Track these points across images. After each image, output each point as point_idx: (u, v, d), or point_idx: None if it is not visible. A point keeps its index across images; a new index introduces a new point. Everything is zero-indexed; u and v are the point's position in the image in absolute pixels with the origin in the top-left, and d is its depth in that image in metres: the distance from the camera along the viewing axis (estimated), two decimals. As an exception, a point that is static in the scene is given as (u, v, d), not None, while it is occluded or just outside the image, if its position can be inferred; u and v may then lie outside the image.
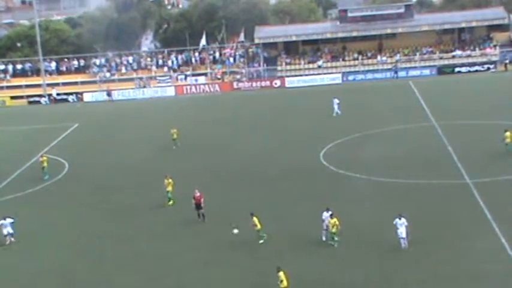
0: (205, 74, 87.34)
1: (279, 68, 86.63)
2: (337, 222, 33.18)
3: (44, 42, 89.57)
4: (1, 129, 69.28)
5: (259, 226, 34.46)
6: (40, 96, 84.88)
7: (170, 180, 41.50)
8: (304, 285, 29.62)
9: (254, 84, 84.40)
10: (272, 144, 55.82)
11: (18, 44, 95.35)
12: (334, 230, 33.28)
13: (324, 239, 33.89)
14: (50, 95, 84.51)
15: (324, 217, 34.07)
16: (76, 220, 40.98)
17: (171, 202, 41.56)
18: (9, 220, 37.54)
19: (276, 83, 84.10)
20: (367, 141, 54.23)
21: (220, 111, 71.97)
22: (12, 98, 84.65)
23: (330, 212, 33.86)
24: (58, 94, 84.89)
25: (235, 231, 34.78)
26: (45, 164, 50.18)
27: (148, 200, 42.80)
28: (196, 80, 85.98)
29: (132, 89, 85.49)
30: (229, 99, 79.51)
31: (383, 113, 63.96)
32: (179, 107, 76.18)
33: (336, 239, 33.33)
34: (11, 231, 37.32)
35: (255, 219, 34.53)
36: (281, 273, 28.09)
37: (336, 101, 64.67)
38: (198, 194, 38.78)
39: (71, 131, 67.28)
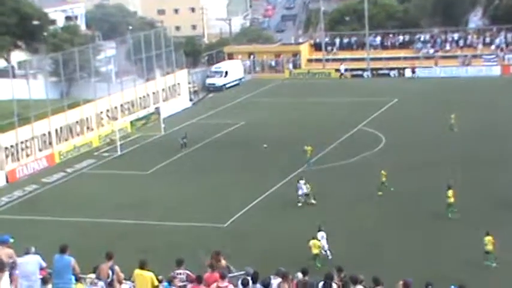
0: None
1: None
2: None
3: (371, 17, 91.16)
4: (325, 101, 72.29)
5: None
6: (363, 70, 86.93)
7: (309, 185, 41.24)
8: None
9: None
10: None
11: (347, 18, 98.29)
12: None
13: None
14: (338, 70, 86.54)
15: None
16: (370, 194, 41.95)
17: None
18: (302, 182, 41.03)
19: None
20: None
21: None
22: (337, 70, 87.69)
23: None
24: (346, 70, 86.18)
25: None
26: (308, 153, 49.20)
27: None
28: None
29: (456, 66, 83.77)
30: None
31: None
32: (504, 88, 72.85)
33: None
34: (305, 191, 40.78)
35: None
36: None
37: None
38: None
39: (390, 105, 68.03)
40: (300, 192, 40.98)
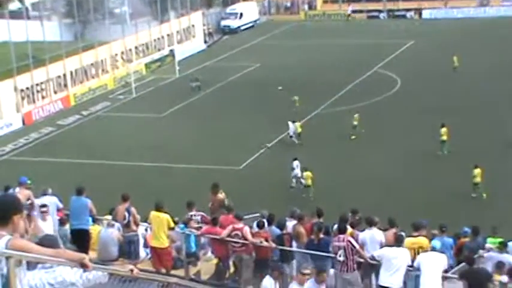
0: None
1: None
2: None
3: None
4: (341, 42, 71.53)
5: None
6: (379, 11, 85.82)
7: None
8: None
9: None
10: None
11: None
12: None
13: None
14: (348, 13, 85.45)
15: None
16: (397, 135, 41.94)
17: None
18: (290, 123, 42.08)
19: None
20: None
21: None
22: (353, 12, 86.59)
23: None
24: (353, 11, 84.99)
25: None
26: (297, 104, 48.51)
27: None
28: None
29: (473, 7, 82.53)
30: None
31: None
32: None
33: None
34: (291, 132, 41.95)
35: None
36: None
37: None
38: None
39: (406, 47, 67.30)
40: (291, 133, 42.19)
